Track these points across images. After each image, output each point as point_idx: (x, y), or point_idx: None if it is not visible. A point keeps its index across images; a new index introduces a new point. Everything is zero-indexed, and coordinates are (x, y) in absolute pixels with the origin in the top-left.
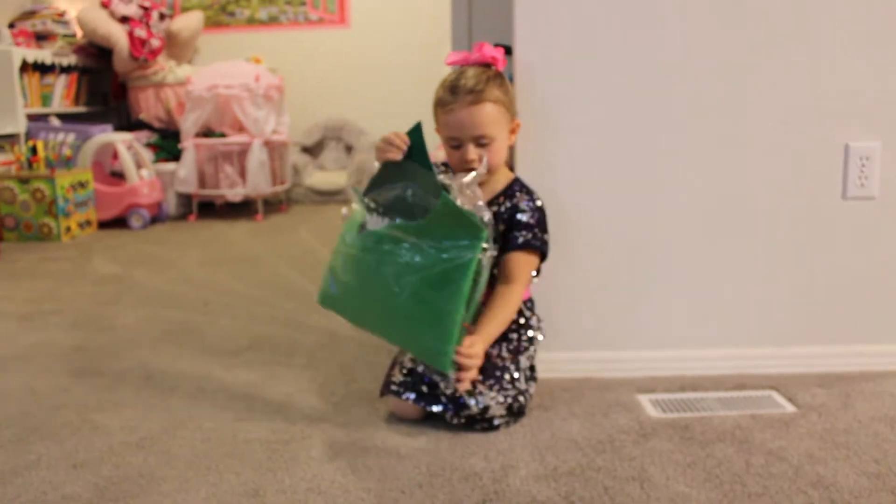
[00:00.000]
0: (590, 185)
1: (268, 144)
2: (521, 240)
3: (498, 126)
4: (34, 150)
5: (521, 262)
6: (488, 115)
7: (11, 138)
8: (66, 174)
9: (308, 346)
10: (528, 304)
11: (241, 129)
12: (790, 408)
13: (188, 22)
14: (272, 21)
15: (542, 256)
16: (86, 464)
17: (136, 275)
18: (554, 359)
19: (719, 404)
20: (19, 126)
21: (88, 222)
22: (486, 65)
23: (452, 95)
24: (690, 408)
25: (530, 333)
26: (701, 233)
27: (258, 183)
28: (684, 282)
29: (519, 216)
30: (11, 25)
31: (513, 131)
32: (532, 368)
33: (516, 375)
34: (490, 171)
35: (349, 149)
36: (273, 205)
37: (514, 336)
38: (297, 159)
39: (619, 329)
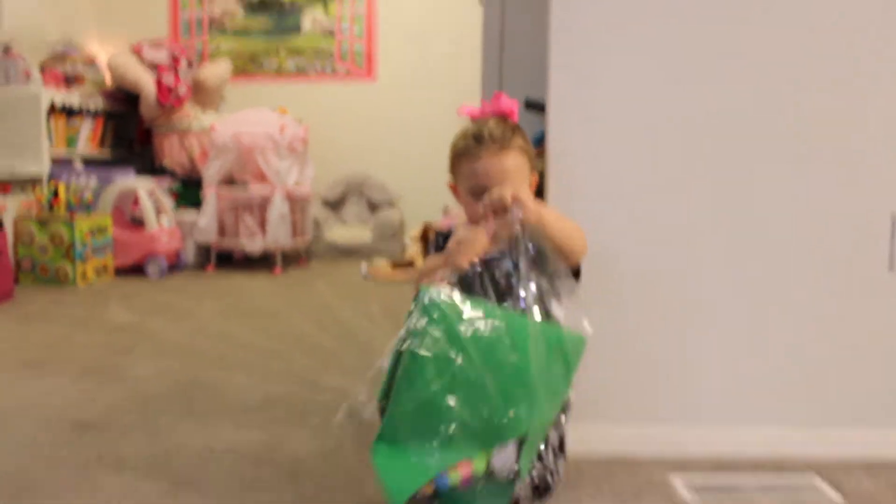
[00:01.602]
0: (621, 248)
1: (290, 196)
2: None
3: (522, 175)
4: (56, 193)
5: None
6: (514, 163)
7: (34, 180)
8: (86, 218)
9: (322, 406)
10: None
11: (263, 179)
12: (836, 498)
13: (216, 70)
14: (300, 72)
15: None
16: None
17: (152, 324)
18: (583, 431)
19: (758, 490)
20: (43, 167)
21: (105, 268)
22: (504, 117)
23: (478, 144)
24: (728, 493)
25: None
26: (739, 301)
27: (278, 235)
28: (720, 353)
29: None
30: (42, 67)
31: (531, 185)
32: (562, 442)
33: (543, 449)
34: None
35: (371, 204)
36: (292, 258)
37: None
38: (319, 213)
39: (650, 401)
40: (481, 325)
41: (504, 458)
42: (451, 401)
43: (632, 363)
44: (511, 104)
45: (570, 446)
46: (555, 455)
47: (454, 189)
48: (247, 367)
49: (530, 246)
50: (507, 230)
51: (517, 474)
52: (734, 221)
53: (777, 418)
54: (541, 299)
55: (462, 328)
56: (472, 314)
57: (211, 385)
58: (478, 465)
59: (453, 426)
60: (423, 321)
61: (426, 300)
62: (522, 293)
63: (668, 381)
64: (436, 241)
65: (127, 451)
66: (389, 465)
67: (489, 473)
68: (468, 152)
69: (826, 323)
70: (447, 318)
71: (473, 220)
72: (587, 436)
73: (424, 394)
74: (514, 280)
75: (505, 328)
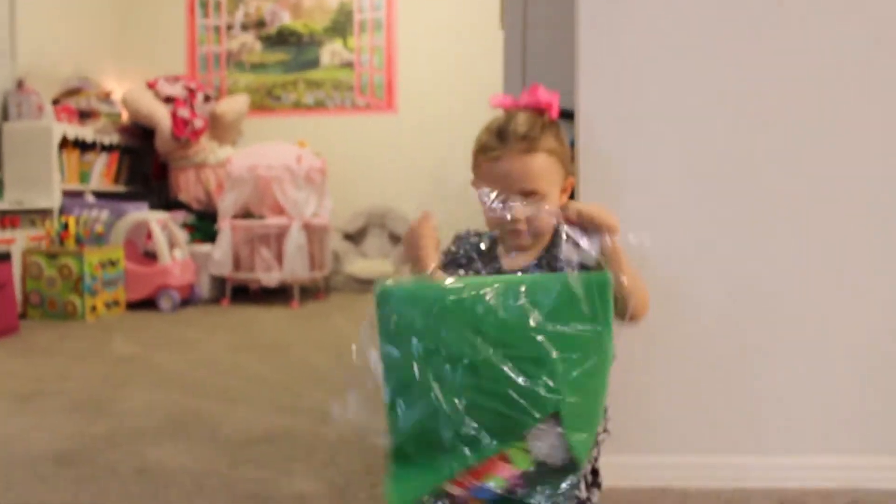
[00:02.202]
0: (667, 259)
1: (307, 227)
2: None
3: (550, 181)
4: (66, 226)
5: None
6: (541, 166)
7: (45, 213)
8: (96, 251)
9: (332, 441)
10: None
11: (280, 212)
12: None
13: (233, 105)
14: (318, 106)
15: None
16: None
17: (156, 357)
18: (623, 464)
19: None
20: (54, 201)
21: (116, 302)
22: (539, 112)
23: (500, 141)
24: None
25: None
26: (802, 313)
27: (295, 267)
28: (782, 374)
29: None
30: (56, 101)
31: (565, 190)
32: (595, 473)
33: (574, 481)
34: (537, 234)
35: (393, 237)
36: (310, 291)
37: None
38: (339, 246)
39: (702, 429)
40: (455, 298)
41: (546, 443)
42: (436, 388)
43: (679, 384)
44: (550, 97)
45: (609, 481)
46: (588, 485)
47: (476, 185)
48: (251, 400)
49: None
50: (538, 242)
51: (573, 460)
52: (792, 231)
53: (848, 446)
54: None
55: (423, 309)
56: (437, 292)
57: (210, 418)
58: (517, 459)
59: (450, 416)
60: (377, 313)
61: (377, 291)
62: None
63: (722, 405)
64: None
65: (108, 488)
66: (398, 475)
67: (540, 465)
68: (489, 150)
69: None
70: (402, 304)
71: (493, 227)
72: (628, 470)
73: (407, 396)
74: None
75: (494, 294)
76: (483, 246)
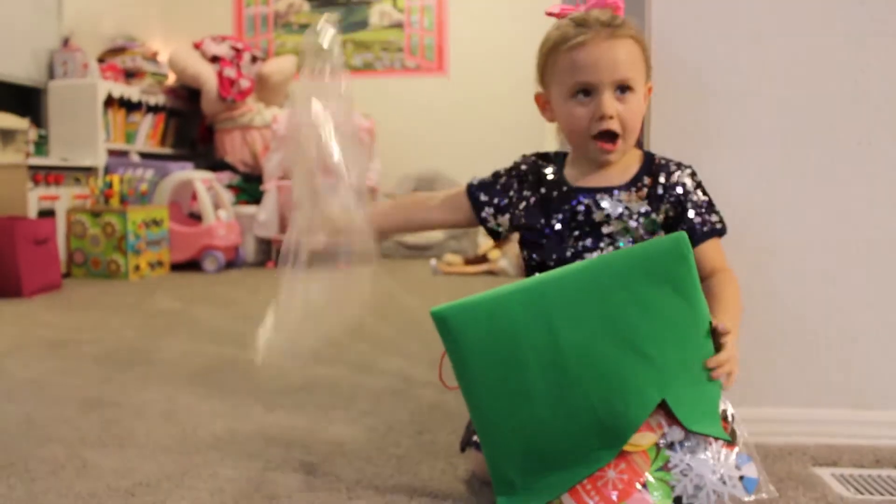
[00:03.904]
0: (759, 196)
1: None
2: (708, 227)
3: (639, 73)
4: (110, 185)
5: (716, 247)
6: (630, 52)
7: (89, 171)
8: (140, 210)
9: (375, 390)
10: None
11: (327, 173)
12: None
13: (280, 65)
14: (367, 68)
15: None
16: None
17: (196, 311)
18: None
19: None
20: (99, 160)
21: (160, 263)
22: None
23: (581, 28)
24: (893, 488)
25: None
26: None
27: None
28: (880, 319)
29: (696, 196)
30: (101, 60)
31: (646, 95)
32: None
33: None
34: (630, 139)
35: None
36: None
37: None
38: None
39: (788, 381)
40: (521, 303)
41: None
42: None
43: (770, 333)
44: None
45: None
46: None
47: (542, 103)
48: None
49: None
50: (623, 163)
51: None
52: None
53: None
54: None
55: (489, 326)
56: (498, 303)
57: (247, 368)
58: (657, 491)
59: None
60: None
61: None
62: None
63: (814, 355)
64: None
65: (133, 431)
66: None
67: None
68: (568, 39)
69: None
70: (464, 326)
71: (575, 137)
72: None
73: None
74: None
75: (561, 289)
76: (549, 172)
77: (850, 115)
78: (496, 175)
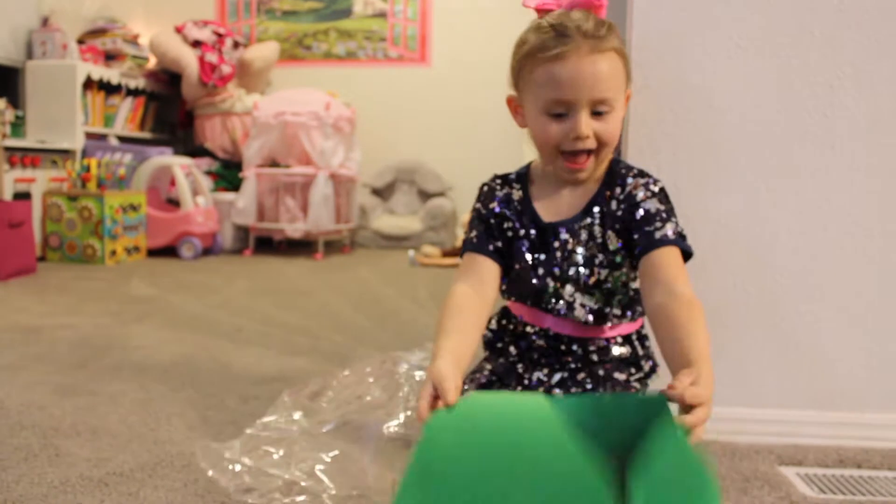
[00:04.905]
0: (730, 195)
1: (334, 178)
2: (661, 234)
3: (619, 89)
4: (87, 168)
5: (674, 258)
6: (612, 68)
7: (66, 154)
8: (117, 194)
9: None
10: (639, 338)
11: (307, 162)
12: None
13: (262, 52)
14: (349, 56)
15: (687, 257)
16: (21, 501)
17: (171, 298)
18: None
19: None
20: (76, 143)
21: (137, 248)
22: (587, 10)
23: (562, 38)
24: (859, 490)
25: (636, 381)
26: (868, 272)
27: (320, 217)
28: (847, 322)
29: (644, 206)
30: (81, 41)
31: (623, 105)
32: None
33: None
34: (602, 157)
35: (423, 193)
36: (335, 245)
37: (621, 378)
38: (366, 201)
39: (756, 381)
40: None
41: None
42: None
43: (734, 332)
44: None
45: None
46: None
47: (514, 107)
48: (266, 341)
49: None
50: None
51: None
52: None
53: None
54: None
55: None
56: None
57: (221, 357)
58: None
59: None
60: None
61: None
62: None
63: (781, 355)
64: (472, 221)
65: (108, 419)
66: None
67: None
68: (547, 49)
69: None
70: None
71: (546, 151)
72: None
73: None
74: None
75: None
76: (515, 195)
77: (826, 122)
78: (482, 219)
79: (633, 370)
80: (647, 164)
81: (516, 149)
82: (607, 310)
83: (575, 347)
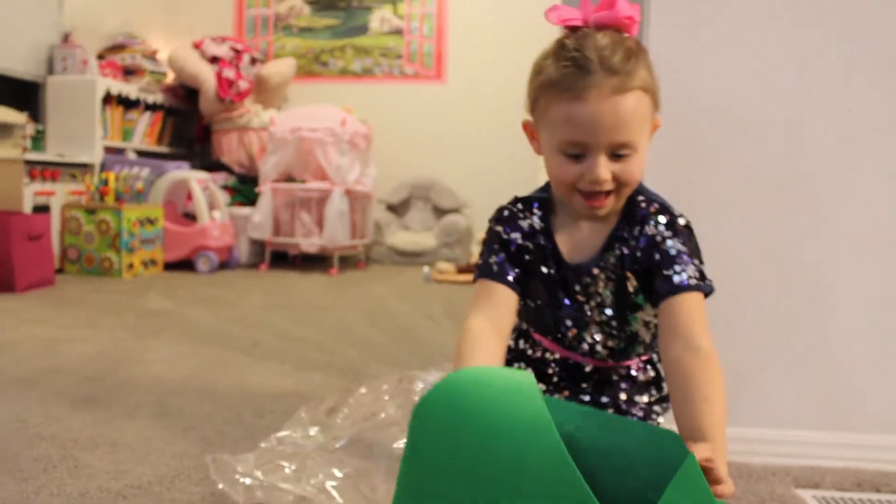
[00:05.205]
0: (740, 217)
1: (349, 194)
2: (680, 278)
3: (644, 129)
4: (106, 182)
5: (695, 307)
6: (636, 110)
7: (85, 168)
8: (135, 208)
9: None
10: (660, 360)
11: (323, 177)
12: None
13: (280, 68)
14: (365, 73)
15: (707, 295)
16: None
17: (188, 312)
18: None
19: None
20: (95, 157)
21: (153, 262)
22: (617, 31)
23: (583, 74)
24: None
25: (655, 401)
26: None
27: (335, 233)
28: (865, 342)
29: (663, 248)
30: (101, 57)
31: (651, 132)
32: None
33: None
34: (622, 196)
35: (438, 210)
36: (350, 260)
37: (643, 401)
38: (381, 217)
39: (773, 402)
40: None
41: None
42: None
43: (750, 353)
44: (631, 10)
45: None
46: None
47: (530, 132)
48: (281, 356)
49: None
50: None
51: None
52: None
53: None
54: None
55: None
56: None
57: (237, 370)
58: None
59: None
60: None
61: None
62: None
63: (796, 376)
64: (489, 244)
65: (126, 432)
66: None
67: None
68: (567, 87)
69: None
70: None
71: (561, 188)
72: None
73: None
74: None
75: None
76: (537, 224)
77: (838, 146)
78: (503, 245)
79: (653, 391)
80: (662, 182)
81: (531, 166)
82: (630, 349)
83: (596, 375)
